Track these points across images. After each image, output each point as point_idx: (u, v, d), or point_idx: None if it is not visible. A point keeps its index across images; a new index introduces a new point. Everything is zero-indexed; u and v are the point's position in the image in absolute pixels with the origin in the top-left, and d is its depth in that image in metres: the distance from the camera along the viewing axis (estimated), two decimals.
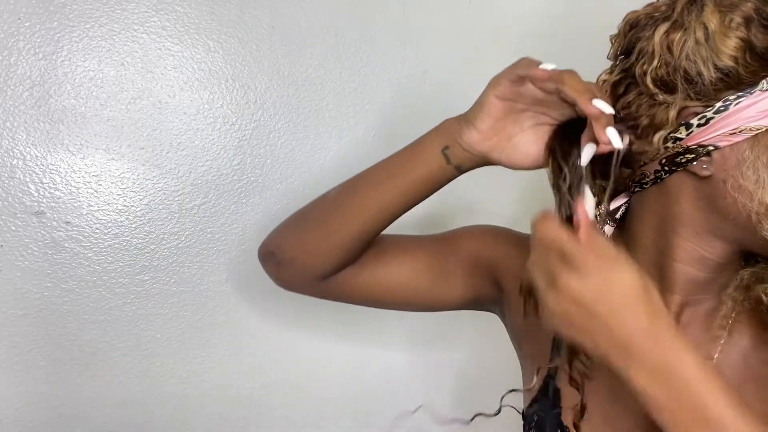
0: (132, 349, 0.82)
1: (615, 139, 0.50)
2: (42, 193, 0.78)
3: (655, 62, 0.55)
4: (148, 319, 0.83)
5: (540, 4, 0.94)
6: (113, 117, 0.79)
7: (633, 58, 0.57)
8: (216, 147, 0.84)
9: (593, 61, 0.60)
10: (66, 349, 0.80)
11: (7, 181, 0.76)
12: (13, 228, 0.77)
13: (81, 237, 0.79)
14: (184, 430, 0.86)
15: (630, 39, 0.58)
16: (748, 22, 0.52)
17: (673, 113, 0.54)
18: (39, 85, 0.77)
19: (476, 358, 0.97)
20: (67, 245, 0.79)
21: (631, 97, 0.57)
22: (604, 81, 0.59)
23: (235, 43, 0.83)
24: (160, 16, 0.81)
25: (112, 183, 0.80)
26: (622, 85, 0.58)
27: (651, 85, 0.55)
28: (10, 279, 0.77)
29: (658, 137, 0.55)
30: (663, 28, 0.55)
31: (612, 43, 0.61)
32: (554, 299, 0.48)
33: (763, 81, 0.52)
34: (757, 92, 0.52)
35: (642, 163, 0.58)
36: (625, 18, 0.60)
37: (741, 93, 0.52)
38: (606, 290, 0.47)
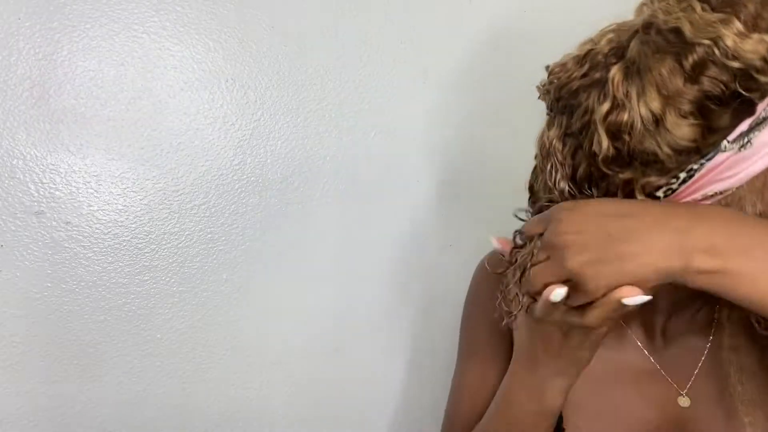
0: (132, 349, 0.82)
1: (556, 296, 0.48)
2: (42, 193, 0.78)
3: (605, 147, 0.51)
4: (148, 319, 0.83)
5: (540, 3, 0.94)
6: (113, 117, 0.79)
7: (575, 126, 0.54)
8: (216, 147, 0.84)
9: None
10: (66, 349, 0.80)
11: (7, 181, 0.76)
12: (13, 228, 0.77)
13: (81, 237, 0.79)
14: (184, 431, 0.86)
15: (564, 103, 0.55)
16: (700, 107, 0.48)
17: (638, 193, 0.51)
18: (39, 85, 0.77)
19: None
20: (67, 245, 0.79)
21: (586, 169, 0.54)
22: (551, 142, 0.55)
23: (235, 43, 0.83)
24: (160, 16, 0.81)
25: (112, 183, 0.80)
26: (571, 152, 0.55)
27: (604, 168, 0.52)
28: (10, 279, 0.77)
29: None
30: (605, 107, 0.50)
31: (541, 97, 0.57)
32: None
33: (724, 141, 0.49)
34: (720, 154, 0.49)
35: None
36: (550, 74, 0.56)
37: (703, 160, 0.49)
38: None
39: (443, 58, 0.91)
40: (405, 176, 0.92)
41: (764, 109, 0.48)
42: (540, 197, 0.58)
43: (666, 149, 0.49)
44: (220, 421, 0.87)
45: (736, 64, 0.46)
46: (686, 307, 0.62)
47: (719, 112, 0.48)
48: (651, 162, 0.50)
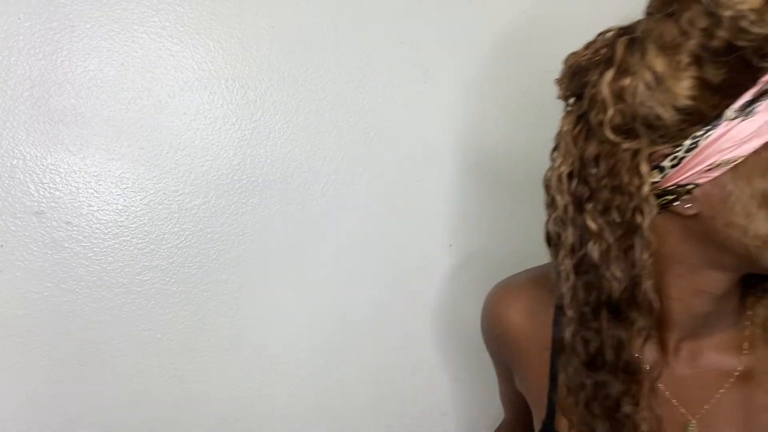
0: (132, 349, 0.82)
1: None
2: (42, 193, 0.78)
3: (610, 112, 0.52)
4: (148, 319, 0.83)
5: (540, 3, 0.94)
6: (113, 117, 0.79)
7: (585, 104, 0.55)
8: (216, 147, 0.84)
9: None
10: (66, 349, 0.80)
11: (7, 181, 0.76)
12: (13, 228, 0.77)
13: (81, 237, 0.79)
14: (184, 430, 0.86)
15: (576, 84, 0.56)
16: (697, 59, 0.49)
17: (644, 162, 0.52)
18: (39, 85, 0.77)
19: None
20: (67, 245, 0.79)
21: (593, 148, 0.54)
22: (566, 132, 0.56)
23: (235, 43, 0.83)
24: (160, 16, 0.81)
25: (112, 183, 0.80)
26: (581, 135, 0.55)
27: (611, 136, 0.53)
28: (10, 279, 0.77)
29: (646, 189, 0.52)
30: (609, 75, 0.52)
31: (558, 86, 0.59)
32: None
33: (727, 110, 0.49)
34: (725, 122, 0.49)
35: None
36: (565, 62, 0.58)
37: (708, 127, 0.50)
38: None
39: (443, 58, 0.91)
40: (405, 176, 0.92)
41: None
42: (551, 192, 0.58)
43: (669, 109, 0.50)
44: (220, 421, 0.87)
45: (727, 13, 0.47)
46: (709, 325, 0.59)
47: (715, 67, 0.49)
48: (656, 126, 0.51)
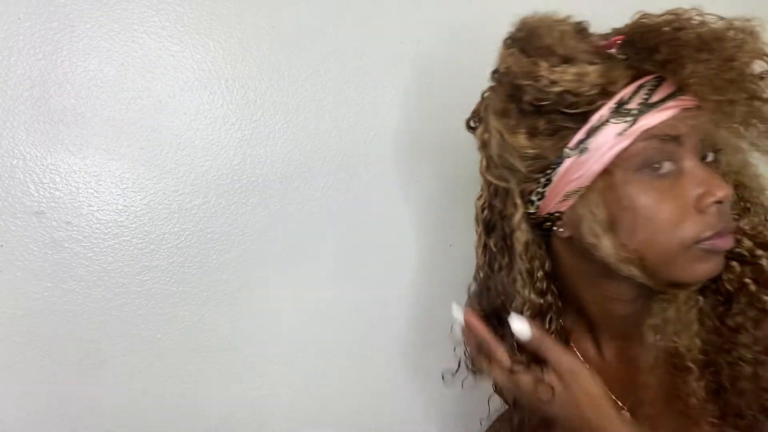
0: (132, 349, 0.82)
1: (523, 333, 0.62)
2: (42, 193, 0.78)
3: (482, 158, 0.65)
4: (148, 319, 0.83)
5: (540, 3, 0.94)
6: (113, 117, 0.79)
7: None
8: (216, 147, 0.84)
9: None
10: (66, 349, 0.80)
11: (7, 181, 0.76)
12: (13, 228, 0.77)
13: (81, 237, 0.79)
14: (184, 430, 0.86)
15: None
16: (523, 118, 0.60)
17: (516, 196, 0.63)
18: (39, 85, 0.77)
19: None
20: (67, 245, 0.79)
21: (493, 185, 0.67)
22: (481, 169, 0.68)
23: (235, 43, 0.83)
24: (160, 16, 0.81)
25: (112, 183, 0.80)
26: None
27: (489, 177, 0.65)
28: (10, 279, 0.77)
29: (518, 217, 0.63)
30: (481, 126, 0.65)
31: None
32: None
33: (566, 149, 0.58)
34: (566, 160, 0.58)
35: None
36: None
37: (554, 165, 0.59)
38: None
39: (443, 58, 0.91)
40: (405, 176, 0.92)
41: (597, 119, 0.57)
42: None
43: (518, 158, 0.61)
44: (220, 421, 0.87)
45: (526, 82, 0.59)
46: (638, 326, 0.66)
47: (541, 121, 0.59)
48: (515, 170, 0.62)
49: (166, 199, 0.82)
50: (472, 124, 0.69)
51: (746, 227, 0.63)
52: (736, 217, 0.63)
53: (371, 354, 0.94)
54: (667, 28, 0.56)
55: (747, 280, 0.60)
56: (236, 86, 0.84)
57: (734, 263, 0.61)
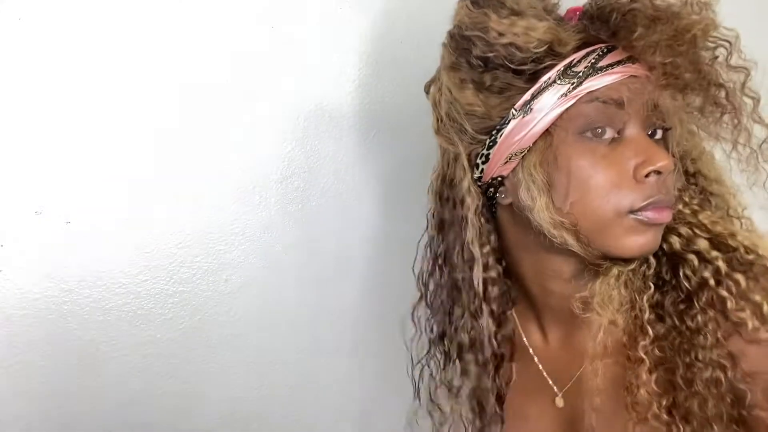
0: (132, 349, 0.82)
1: None
2: (42, 193, 0.78)
3: (434, 118, 0.65)
4: (148, 319, 0.83)
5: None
6: (113, 116, 0.79)
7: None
8: (216, 147, 0.84)
9: None
10: (66, 349, 0.80)
11: (7, 181, 0.76)
12: (13, 228, 0.77)
13: (81, 237, 0.79)
14: (184, 430, 0.86)
15: None
16: (472, 72, 0.60)
17: (464, 159, 0.62)
18: (40, 86, 0.77)
19: None
20: (67, 245, 0.79)
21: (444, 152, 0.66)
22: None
23: (234, 43, 0.83)
24: (160, 16, 0.80)
25: (112, 182, 0.80)
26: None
27: (440, 141, 0.64)
28: (10, 279, 0.77)
29: (466, 183, 0.62)
30: (434, 85, 0.65)
31: None
32: None
33: (512, 109, 0.58)
34: (511, 120, 0.58)
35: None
36: None
37: (499, 126, 0.59)
38: None
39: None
40: (405, 176, 0.92)
41: (544, 81, 0.57)
42: None
43: (465, 116, 0.60)
44: (220, 421, 0.87)
45: (474, 34, 0.59)
46: (567, 308, 0.63)
47: (489, 77, 0.59)
48: (463, 131, 0.61)
49: (166, 199, 0.82)
50: (431, 89, 0.68)
51: (705, 221, 0.61)
52: (696, 208, 0.62)
53: (371, 354, 0.94)
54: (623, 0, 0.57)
55: (706, 275, 0.58)
56: (236, 86, 0.84)
57: (692, 257, 0.59)
